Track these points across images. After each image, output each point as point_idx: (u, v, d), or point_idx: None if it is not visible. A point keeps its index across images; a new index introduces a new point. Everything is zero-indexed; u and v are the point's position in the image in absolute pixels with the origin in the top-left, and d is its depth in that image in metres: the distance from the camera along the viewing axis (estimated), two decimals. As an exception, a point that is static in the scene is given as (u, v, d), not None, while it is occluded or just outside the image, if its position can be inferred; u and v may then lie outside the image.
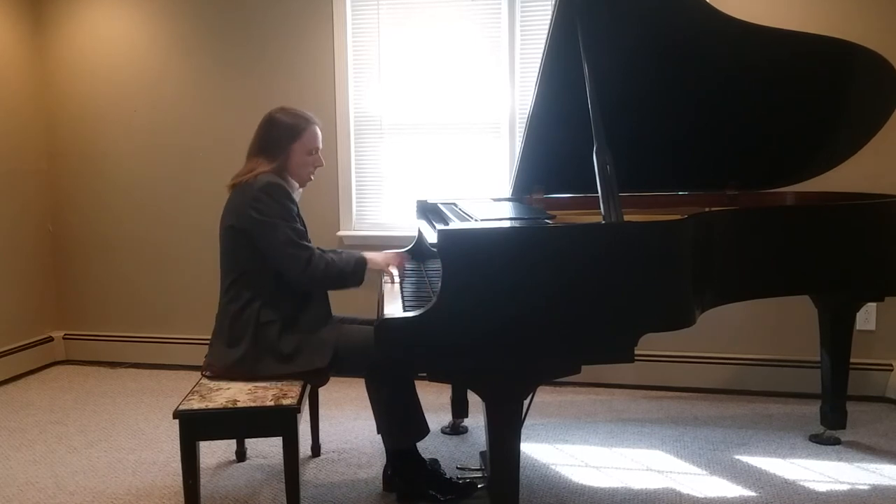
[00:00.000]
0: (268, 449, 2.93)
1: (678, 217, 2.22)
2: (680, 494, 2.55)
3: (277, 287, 2.38)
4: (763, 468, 2.75)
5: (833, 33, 2.67)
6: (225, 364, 2.38)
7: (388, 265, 2.60)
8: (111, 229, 4.19)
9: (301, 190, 2.56)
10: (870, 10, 3.30)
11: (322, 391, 2.87)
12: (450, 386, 3.06)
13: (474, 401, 2.37)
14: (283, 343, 2.36)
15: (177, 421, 2.16)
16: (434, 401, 3.30)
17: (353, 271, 2.42)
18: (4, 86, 3.93)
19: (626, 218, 2.13)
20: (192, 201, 4.02)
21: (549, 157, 2.77)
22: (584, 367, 2.05)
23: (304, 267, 2.33)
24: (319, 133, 2.53)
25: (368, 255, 2.52)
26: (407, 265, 2.72)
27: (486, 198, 3.16)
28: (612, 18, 2.41)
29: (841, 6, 3.33)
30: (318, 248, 2.62)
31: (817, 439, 2.97)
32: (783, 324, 3.50)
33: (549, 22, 2.41)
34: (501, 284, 1.95)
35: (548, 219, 2.31)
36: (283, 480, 2.21)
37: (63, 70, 4.14)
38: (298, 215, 2.44)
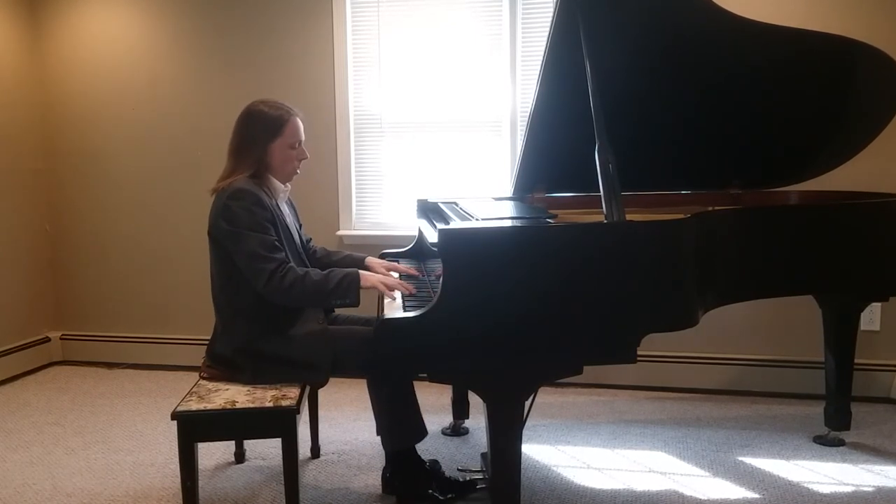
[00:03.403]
0: (267, 450, 2.91)
1: (680, 216, 2.20)
2: (683, 496, 2.53)
3: (263, 297, 2.26)
4: (766, 469, 2.73)
5: (837, 31, 2.65)
6: (221, 369, 2.36)
7: (386, 287, 2.29)
8: (109, 229, 4.17)
9: (289, 187, 2.48)
10: (874, 7, 3.28)
11: (322, 392, 2.85)
12: (450, 387, 3.04)
13: (475, 402, 2.35)
14: (278, 354, 2.31)
15: (175, 422, 2.14)
16: (435, 402, 3.28)
17: (334, 289, 2.21)
18: (1, 84, 3.91)
19: (628, 217, 2.10)
20: (191, 201, 3.99)
21: (551, 156, 2.75)
22: (585, 368, 2.05)
23: (265, 280, 2.20)
24: (301, 125, 2.41)
25: (364, 273, 2.31)
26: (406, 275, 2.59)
27: (487, 197, 3.13)
28: (614, 16, 2.40)
29: (844, 3, 3.31)
30: (316, 250, 2.57)
31: (821, 440, 2.95)
32: (786, 324, 3.47)
33: (550, 19, 2.39)
34: (502, 284, 1.94)
35: (549, 218, 2.29)
36: (283, 482, 2.20)
37: (60, 68, 4.11)
38: (275, 221, 2.31)
